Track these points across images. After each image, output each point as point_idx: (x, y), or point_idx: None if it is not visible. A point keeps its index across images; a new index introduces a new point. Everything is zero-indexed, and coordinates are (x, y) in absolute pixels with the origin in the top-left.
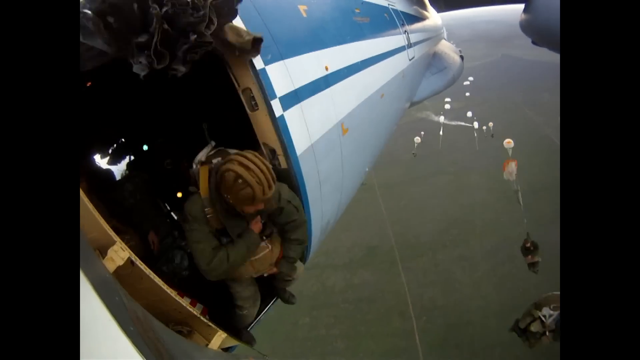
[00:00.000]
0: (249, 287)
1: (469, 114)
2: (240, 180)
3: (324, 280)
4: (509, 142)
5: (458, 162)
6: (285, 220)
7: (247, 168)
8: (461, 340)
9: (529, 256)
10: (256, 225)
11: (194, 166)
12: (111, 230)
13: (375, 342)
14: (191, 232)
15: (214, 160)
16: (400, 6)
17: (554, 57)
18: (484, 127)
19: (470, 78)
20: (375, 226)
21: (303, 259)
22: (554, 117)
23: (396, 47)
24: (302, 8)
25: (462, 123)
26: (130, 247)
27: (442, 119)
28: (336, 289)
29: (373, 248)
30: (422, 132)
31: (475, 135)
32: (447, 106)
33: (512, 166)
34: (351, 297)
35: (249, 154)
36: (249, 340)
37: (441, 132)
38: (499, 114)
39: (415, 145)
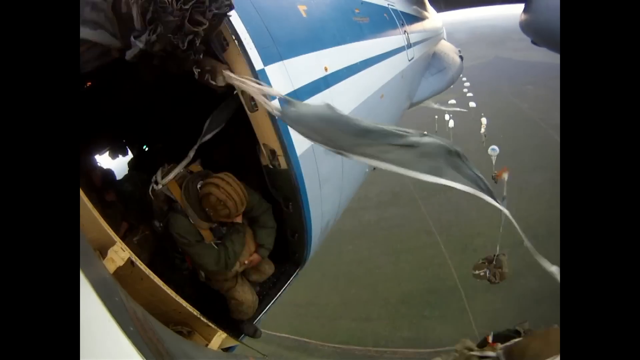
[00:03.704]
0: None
1: (470, 94)
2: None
3: (360, 217)
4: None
5: (456, 136)
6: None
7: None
8: (477, 245)
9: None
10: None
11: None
12: (111, 230)
13: (411, 254)
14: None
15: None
16: (400, 6)
17: (540, 57)
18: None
19: (465, 79)
20: (395, 179)
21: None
22: (536, 103)
23: (396, 47)
24: (301, 8)
25: (458, 109)
26: (145, 237)
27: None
28: (371, 222)
29: (396, 193)
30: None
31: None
32: (436, 105)
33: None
34: (385, 225)
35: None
36: (253, 333)
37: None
38: (490, 103)
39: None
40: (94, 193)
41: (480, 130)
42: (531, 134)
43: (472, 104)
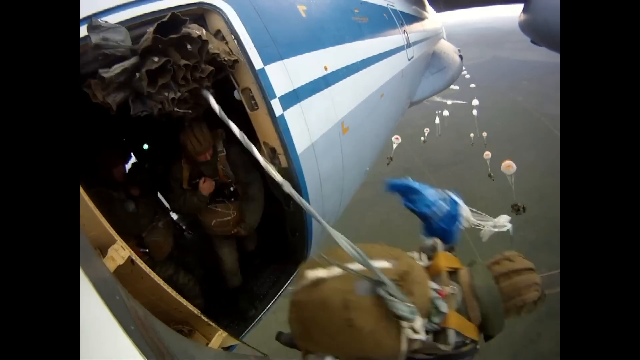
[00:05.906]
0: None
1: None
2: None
3: (377, 189)
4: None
5: (457, 123)
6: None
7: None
8: (479, 207)
9: None
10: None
11: None
12: (112, 229)
13: None
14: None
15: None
16: (400, 6)
17: (536, 57)
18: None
19: (467, 76)
20: (405, 157)
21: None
22: (529, 96)
23: (395, 46)
24: (301, 8)
25: (458, 101)
26: (167, 222)
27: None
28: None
29: (407, 168)
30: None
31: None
32: (438, 98)
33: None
34: None
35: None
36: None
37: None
38: (488, 96)
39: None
40: (121, 189)
41: (474, 113)
42: (525, 121)
43: (472, 85)
